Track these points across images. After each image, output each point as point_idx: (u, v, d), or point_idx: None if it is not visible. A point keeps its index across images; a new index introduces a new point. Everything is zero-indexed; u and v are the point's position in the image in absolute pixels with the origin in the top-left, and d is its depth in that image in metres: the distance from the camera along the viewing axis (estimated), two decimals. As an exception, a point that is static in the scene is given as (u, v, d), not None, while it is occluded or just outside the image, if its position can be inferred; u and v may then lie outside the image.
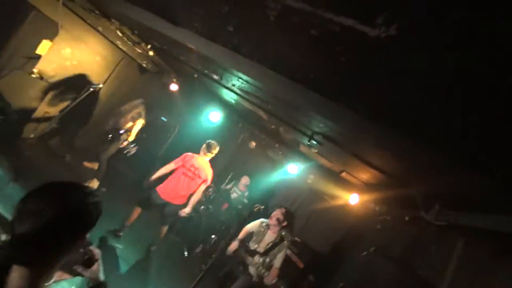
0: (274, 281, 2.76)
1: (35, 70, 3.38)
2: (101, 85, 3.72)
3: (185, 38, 2.37)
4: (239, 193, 5.03)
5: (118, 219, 3.48)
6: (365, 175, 3.21)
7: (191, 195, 3.54)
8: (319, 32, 1.32)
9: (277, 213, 3.10)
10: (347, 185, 4.15)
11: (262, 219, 3.32)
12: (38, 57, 3.27)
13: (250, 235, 3.26)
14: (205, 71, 3.03)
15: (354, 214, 4.41)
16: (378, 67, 1.32)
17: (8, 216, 2.08)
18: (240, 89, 2.79)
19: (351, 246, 4.30)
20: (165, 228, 3.62)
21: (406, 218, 3.07)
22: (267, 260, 2.90)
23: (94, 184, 4.11)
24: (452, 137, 1.46)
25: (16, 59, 2.99)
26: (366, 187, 3.64)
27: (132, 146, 3.99)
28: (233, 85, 2.77)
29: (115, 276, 2.91)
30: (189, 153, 3.61)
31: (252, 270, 2.95)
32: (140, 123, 4.16)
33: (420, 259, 2.66)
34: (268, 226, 3.18)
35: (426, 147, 1.67)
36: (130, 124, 4.04)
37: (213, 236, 4.50)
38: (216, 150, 3.63)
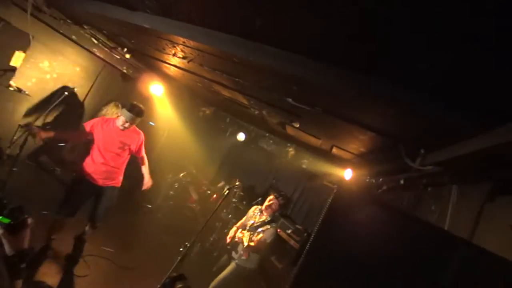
0: (250, 250, 2.60)
1: (12, 83, 3.42)
2: (76, 88, 3.73)
3: (142, 21, 2.35)
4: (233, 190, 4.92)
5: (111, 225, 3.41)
6: (353, 143, 3.06)
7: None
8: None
9: (273, 201, 2.97)
10: (341, 162, 3.99)
11: (255, 206, 3.21)
12: (14, 69, 3.31)
13: (244, 225, 3.15)
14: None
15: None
16: None
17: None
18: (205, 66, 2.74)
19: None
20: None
21: (401, 182, 2.89)
22: (255, 234, 2.76)
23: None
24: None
25: (-12, 72, 3.03)
26: (358, 159, 3.48)
27: None
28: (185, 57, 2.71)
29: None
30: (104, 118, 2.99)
31: (239, 250, 2.80)
32: None
33: (421, 214, 2.50)
34: (261, 211, 3.07)
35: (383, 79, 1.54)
36: None
37: (213, 235, 4.36)
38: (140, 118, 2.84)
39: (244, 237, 2.62)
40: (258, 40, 1.76)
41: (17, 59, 3.31)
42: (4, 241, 1.02)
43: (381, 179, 3.52)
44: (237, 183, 2.55)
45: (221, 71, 2.58)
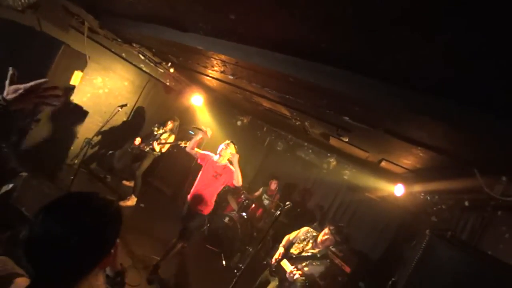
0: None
1: (72, 99, 3.69)
2: (127, 104, 3.93)
3: (194, 42, 2.40)
4: (269, 198, 4.87)
5: (156, 230, 3.55)
6: (407, 159, 2.85)
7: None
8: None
9: (328, 237, 2.69)
10: (390, 176, 3.75)
11: (307, 227, 3.06)
12: (73, 87, 3.58)
13: (291, 244, 3.04)
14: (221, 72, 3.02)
15: (402, 208, 3.94)
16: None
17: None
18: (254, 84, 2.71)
19: (403, 244, 3.82)
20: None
21: (466, 203, 2.63)
22: (302, 264, 2.64)
23: (133, 200, 4.30)
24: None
25: (53, 91, 3.30)
26: (412, 174, 3.24)
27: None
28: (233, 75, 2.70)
29: None
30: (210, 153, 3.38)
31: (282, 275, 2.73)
32: (172, 138, 4.34)
33: (492, 248, 2.22)
34: (315, 238, 2.89)
35: (471, 106, 1.39)
36: (164, 137, 4.26)
37: (248, 248, 4.36)
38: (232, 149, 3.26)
39: (296, 277, 2.49)
40: (320, 61, 1.68)
41: (76, 78, 3.57)
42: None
43: (436, 197, 3.25)
44: (287, 203, 2.48)
45: (271, 88, 2.54)
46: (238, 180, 3.10)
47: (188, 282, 3.41)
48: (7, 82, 1.02)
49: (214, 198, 3.27)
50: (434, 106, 1.49)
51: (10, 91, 1.00)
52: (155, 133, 4.39)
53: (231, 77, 2.90)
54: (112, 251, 0.88)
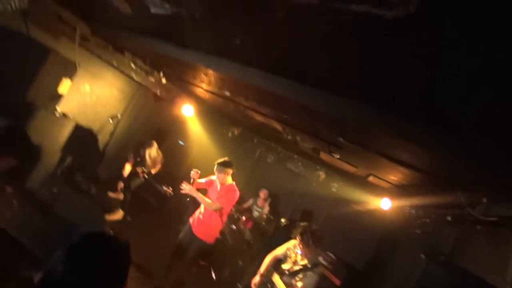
0: None
1: (58, 109, 3.55)
2: (118, 115, 3.84)
3: (195, 59, 2.42)
4: (259, 209, 4.89)
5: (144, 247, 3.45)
6: (395, 176, 3.00)
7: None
8: (330, 26, 1.27)
9: (306, 248, 2.70)
10: (376, 190, 3.92)
11: (295, 242, 3.08)
12: (60, 96, 3.45)
13: (278, 261, 3.03)
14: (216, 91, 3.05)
15: (388, 221, 4.11)
16: (396, 53, 1.24)
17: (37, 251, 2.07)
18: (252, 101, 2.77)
19: (389, 256, 3.98)
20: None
21: (449, 218, 2.80)
22: (295, 279, 2.67)
23: (119, 214, 4.16)
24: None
25: (39, 100, 3.17)
26: (398, 189, 3.40)
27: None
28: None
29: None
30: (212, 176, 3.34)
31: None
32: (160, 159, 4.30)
33: (473, 261, 2.38)
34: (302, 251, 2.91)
35: (457, 136, 1.52)
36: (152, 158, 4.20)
37: (239, 262, 4.34)
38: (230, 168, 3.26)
39: None
40: (322, 88, 1.77)
41: (64, 86, 3.45)
42: None
43: (421, 211, 3.43)
44: (283, 220, 2.52)
45: (268, 106, 2.61)
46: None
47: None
48: None
49: (220, 226, 3.23)
50: (423, 135, 1.61)
51: None
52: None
53: (227, 93, 2.94)
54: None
